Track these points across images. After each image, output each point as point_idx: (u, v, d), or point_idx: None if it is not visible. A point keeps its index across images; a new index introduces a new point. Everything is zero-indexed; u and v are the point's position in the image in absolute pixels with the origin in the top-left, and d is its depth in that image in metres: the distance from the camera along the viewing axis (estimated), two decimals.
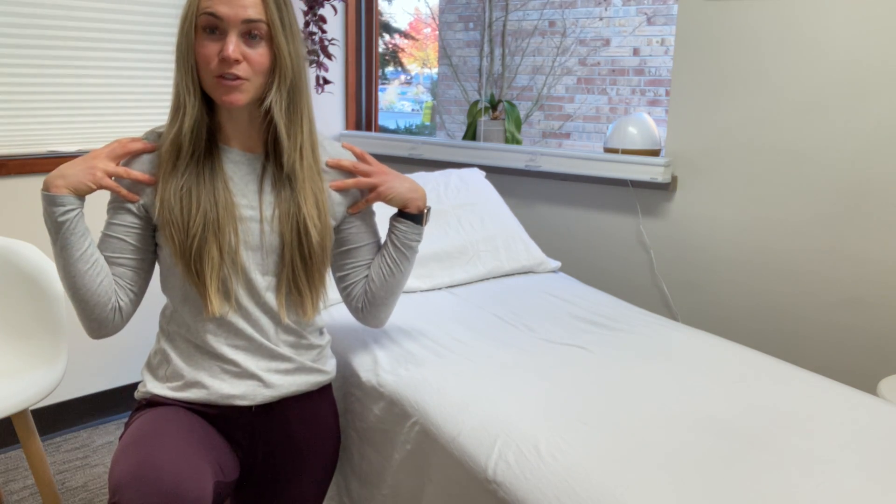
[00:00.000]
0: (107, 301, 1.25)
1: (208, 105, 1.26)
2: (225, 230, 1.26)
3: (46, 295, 1.76)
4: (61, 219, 1.21)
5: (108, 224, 1.29)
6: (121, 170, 1.25)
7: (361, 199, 1.40)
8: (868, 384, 2.00)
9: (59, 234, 1.22)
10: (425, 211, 1.43)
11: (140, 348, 2.59)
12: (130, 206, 1.27)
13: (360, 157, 1.40)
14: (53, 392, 2.40)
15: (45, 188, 1.21)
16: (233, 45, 1.18)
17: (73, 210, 1.22)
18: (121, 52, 2.42)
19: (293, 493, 1.38)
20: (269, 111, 1.25)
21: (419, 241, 1.43)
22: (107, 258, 1.27)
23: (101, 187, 1.24)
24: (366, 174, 1.38)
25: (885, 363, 1.97)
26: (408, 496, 1.36)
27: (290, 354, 1.33)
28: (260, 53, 1.21)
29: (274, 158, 1.30)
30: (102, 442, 2.39)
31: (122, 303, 1.28)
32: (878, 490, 1.08)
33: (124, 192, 1.26)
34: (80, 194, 1.23)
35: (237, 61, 1.19)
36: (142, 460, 1.10)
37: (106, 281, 1.25)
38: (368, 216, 1.44)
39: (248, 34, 1.20)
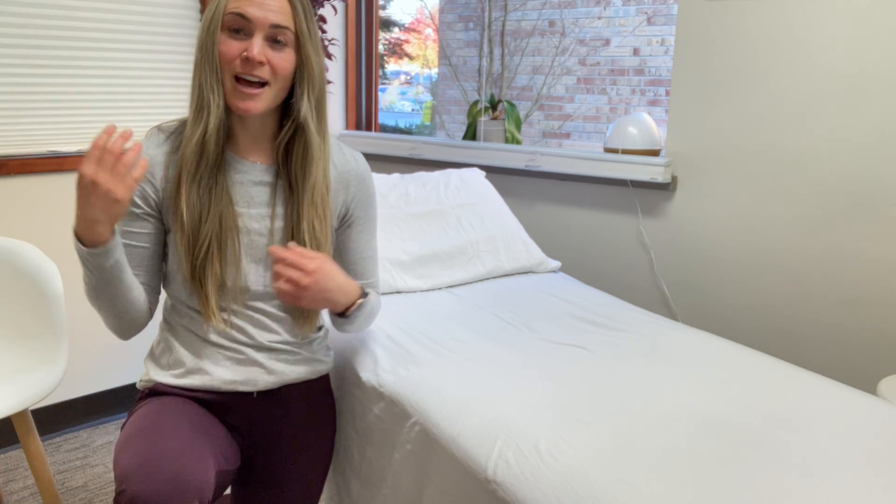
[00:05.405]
0: (144, 311, 1.28)
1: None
2: (227, 245, 1.26)
3: (46, 295, 1.76)
4: (109, 263, 1.14)
5: (130, 233, 1.26)
6: (136, 180, 1.10)
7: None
8: (868, 384, 2.00)
9: (110, 276, 1.16)
10: (349, 312, 1.33)
11: (140, 348, 2.59)
12: (151, 210, 1.27)
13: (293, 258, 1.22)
14: (53, 392, 2.40)
15: (89, 244, 1.10)
16: (258, 47, 1.17)
17: (117, 249, 1.14)
18: (121, 51, 2.42)
19: (292, 482, 1.39)
20: (303, 122, 1.24)
21: (353, 323, 1.37)
22: (134, 269, 1.28)
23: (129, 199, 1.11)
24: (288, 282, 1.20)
25: (885, 363, 1.97)
26: (408, 496, 1.36)
27: (290, 348, 1.35)
28: (284, 59, 1.20)
29: (284, 170, 1.30)
30: (102, 442, 2.39)
31: (152, 306, 1.31)
32: (878, 490, 1.08)
33: (139, 173, 1.08)
34: (117, 221, 1.12)
35: (260, 63, 1.18)
36: (147, 450, 1.11)
37: (142, 294, 1.27)
38: (358, 232, 1.42)
39: (273, 39, 1.20)
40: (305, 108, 1.24)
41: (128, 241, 1.27)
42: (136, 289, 1.24)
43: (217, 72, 1.20)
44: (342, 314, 1.34)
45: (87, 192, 1.04)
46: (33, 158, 2.28)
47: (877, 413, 1.32)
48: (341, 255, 1.42)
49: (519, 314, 1.76)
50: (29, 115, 2.28)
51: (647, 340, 1.61)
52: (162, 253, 1.31)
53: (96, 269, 1.14)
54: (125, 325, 1.27)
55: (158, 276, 1.32)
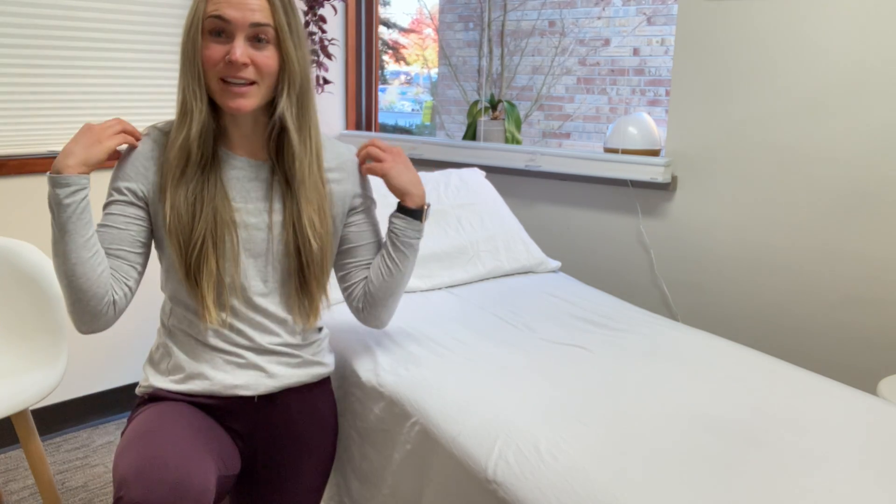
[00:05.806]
0: (104, 293, 1.22)
1: (213, 110, 1.26)
2: (223, 241, 1.26)
3: (46, 295, 1.76)
4: (67, 200, 1.17)
5: (107, 215, 1.26)
6: (129, 138, 1.26)
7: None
8: (868, 384, 2.00)
9: (67, 219, 1.17)
10: (425, 207, 1.41)
11: (140, 348, 2.59)
12: (134, 200, 1.26)
13: (370, 148, 1.42)
14: (53, 392, 2.40)
15: (55, 171, 1.18)
16: (240, 49, 1.18)
17: (80, 191, 1.18)
18: (121, 52, 2.42)
19: (293, 486, 1.38)
20: (281, 119, 1.25)
21: (418, 240, 1.41)
22: (105, 250, 1.24)
23: (110, 151, 1.22)
24: (378, 159, 1.40)
25: (885, 363, 1.97)
26: (408, 496, 1.36)
27: (290, 351, 1.35)
28: (267, 56, 1.21)
29: (279, 165, 1.30)
30: (102, 442, 2.39)
31: (116, 297, 1.24)
32: (878, 490, 1.08)
33: (131, 138, 1.26)
34: (92, 165, 1.20)
35: (244, 65, 1.19)
36: (146, 455, 1.10)
37: (105, 273, 1.22)
38: (370, 214, 1.44)
39: (255, 38, 1.20)
40: (283, 105, 1.24)
41: (105, 223, 1.26)
42: (95, 254, 1.20)
43: (199, 77, 1.21)
44: (416, 214, 1.39)
45: (81, 132, 1.22)
46: (33, 158, 2.28)
47: (876, 413, 1.32)
48: (364, 239, 1.42)
49: (519, 314, 1.76)
50: (29, 115, 2.28)
51: (647, 340, 1.61)
52: (140, 246, 1.28)
53: (56, 206, 1.17)
54: (81, 304, 1.20)
55: (132, 271, 1.27)
